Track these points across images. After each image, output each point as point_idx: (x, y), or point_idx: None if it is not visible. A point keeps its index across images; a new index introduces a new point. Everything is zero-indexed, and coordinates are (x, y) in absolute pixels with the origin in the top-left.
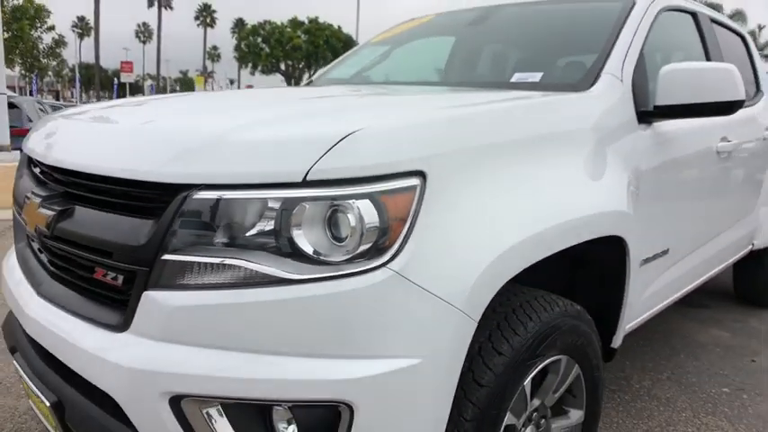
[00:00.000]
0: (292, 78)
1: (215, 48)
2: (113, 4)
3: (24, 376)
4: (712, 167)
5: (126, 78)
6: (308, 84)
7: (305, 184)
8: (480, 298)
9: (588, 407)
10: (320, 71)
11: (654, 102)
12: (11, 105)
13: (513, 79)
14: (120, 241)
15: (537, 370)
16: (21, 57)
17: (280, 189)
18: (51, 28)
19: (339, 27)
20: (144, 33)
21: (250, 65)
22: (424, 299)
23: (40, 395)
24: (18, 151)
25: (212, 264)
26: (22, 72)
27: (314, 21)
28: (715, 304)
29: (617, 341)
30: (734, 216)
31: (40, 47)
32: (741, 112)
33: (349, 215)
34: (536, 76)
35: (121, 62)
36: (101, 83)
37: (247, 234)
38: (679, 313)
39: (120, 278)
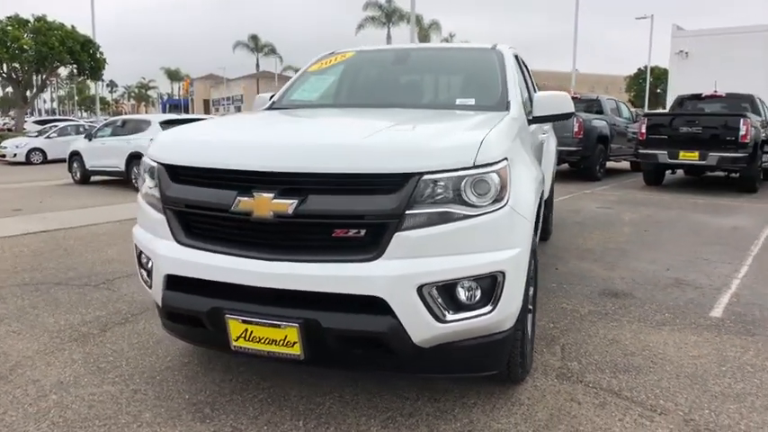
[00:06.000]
0: (19, 84)
1: None
2: None
3: (253, 320)
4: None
5: None
6: (271, 107)
7: (474, 167)
8: (534, 215)
9: (535, 285)
10: (278, 94)
11: (533, 114)
12: None
13: (457, 102)
14: (375, 208)
15: None
16: None
17: (463, 171)
18: None
19: (73, 27)
20: None
21: None
22: (520, 218)
23: (281, 324)
24: None
25: (431, 212)
26: None
27: (42, 19)
28: None
29: None
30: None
31: None
32: None
33: (489, 181)
34: (470, 101)
35: None
36: None
37: (448, 195)
38: None
39: (363, 231)
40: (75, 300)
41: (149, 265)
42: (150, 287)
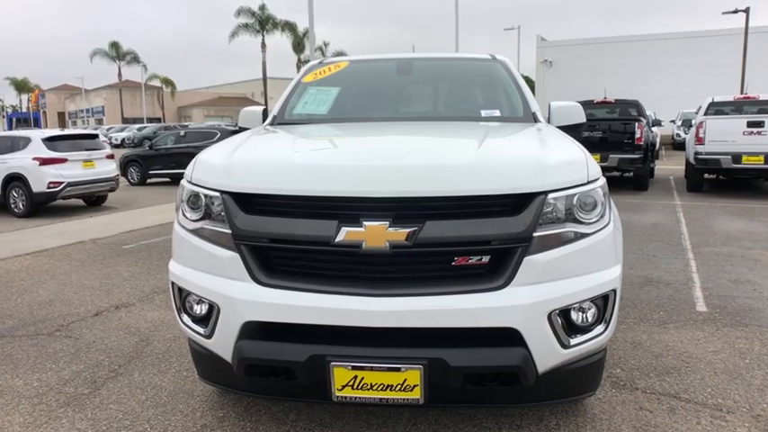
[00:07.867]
0: None
1: None
2: None
3: (366, 365)
4: None
5: None
6: (275, 122)
7: (587, 183)
8: None
9: None
10: (277, 108)
11: (553, 124)
12: None
13: (482, 114)
14: (503, 232)
15: None
16: None
17: (578, 188)
18: None
19: None
20: None
21: None
22: (618, 233)
23: (401, 367)
24: None
25: (554, 233)
26: None
27: None
28: None
29: None
30: None
31: None
32: None
33: (596, 197)
34: (495, 112)
35: None
36: None
37: (564, 214)
38: None
39: (486, 257)
40: (34, 354)
41: (204, 311)
42: (208, 337)
